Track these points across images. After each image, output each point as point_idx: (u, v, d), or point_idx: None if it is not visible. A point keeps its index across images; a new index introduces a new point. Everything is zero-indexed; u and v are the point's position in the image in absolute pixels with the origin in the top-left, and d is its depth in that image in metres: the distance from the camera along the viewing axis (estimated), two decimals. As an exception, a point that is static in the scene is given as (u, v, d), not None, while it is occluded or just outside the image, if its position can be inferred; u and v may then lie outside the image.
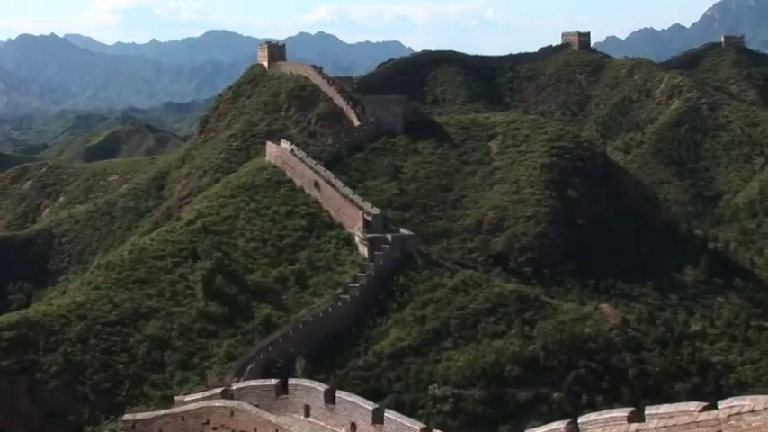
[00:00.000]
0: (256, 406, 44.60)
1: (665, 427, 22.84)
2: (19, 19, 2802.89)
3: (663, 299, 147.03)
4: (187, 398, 51.50)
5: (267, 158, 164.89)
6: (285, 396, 45.55)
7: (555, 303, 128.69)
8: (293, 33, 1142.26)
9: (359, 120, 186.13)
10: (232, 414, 44.53)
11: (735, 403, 22.01)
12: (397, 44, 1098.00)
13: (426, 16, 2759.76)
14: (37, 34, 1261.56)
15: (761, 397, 21.31)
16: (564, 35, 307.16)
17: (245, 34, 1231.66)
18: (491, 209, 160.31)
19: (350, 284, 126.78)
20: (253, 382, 51.51)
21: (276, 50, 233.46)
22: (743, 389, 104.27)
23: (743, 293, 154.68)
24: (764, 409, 20.03)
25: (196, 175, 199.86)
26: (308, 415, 43.83)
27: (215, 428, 45.29)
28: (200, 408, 46.58)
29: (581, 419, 28.98)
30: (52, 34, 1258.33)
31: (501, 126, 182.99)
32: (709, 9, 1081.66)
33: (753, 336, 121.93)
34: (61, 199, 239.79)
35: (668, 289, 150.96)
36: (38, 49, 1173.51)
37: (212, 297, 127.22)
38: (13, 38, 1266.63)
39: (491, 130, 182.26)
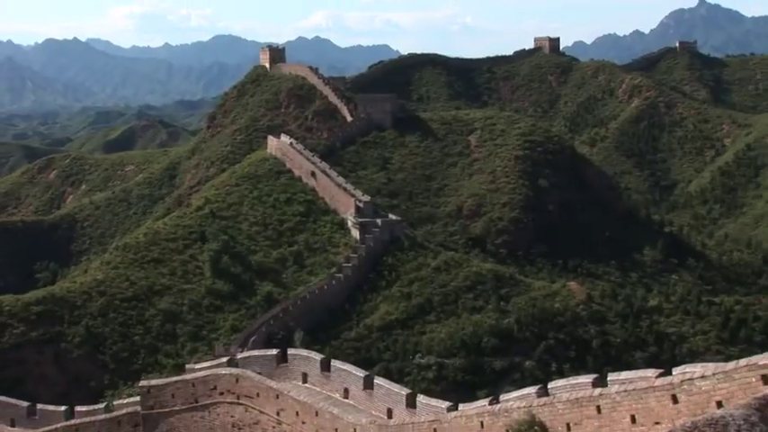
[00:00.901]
0: (259, 373, 44.58)
1: (625, 391, 22.92)
2: (45, 25, 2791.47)
3: (624, 277, 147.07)
4: (197, 366, 51.46)
5: (268, 151, 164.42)
6: (285, 365, 45.56)
7: (527, 281, 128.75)
8: (292, 38, 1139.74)
9: (351, 116, 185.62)
10: (237, 381, 44.50)
11: (687, 370, 22.11)
12: (386, 47, 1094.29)
13: (413, 22, 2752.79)
14: (61, 39, 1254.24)
15: (710, 364, 21.39)
16: (536, 40, 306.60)
17: (248, 38, 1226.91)
18: (470, 196, 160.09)
19: (343, 264, 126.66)
20: (256, 352, 51.48)
21: (277, 53, 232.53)
22: (694, 357, 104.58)
23: (695, 272, 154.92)
24: (713, 374, 20.12)
25: (204, 166, 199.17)
26: (305, 381, 43.86)
27: (221, 393, 45.26)
28: (209, 375, 46.54)
29: (550, 385, 29.07)
30: (75, 38, 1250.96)
31: (479, 122, 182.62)
32: (666, 17, 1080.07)
33: (703, 310, 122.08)
34: (83, 187, 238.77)
35: (629, 268, 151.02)
36: (62, 52, 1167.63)
37: (219, 275, 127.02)
38: (40, 42, 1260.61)
39: (470, 125, 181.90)
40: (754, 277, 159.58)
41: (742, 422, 15.38)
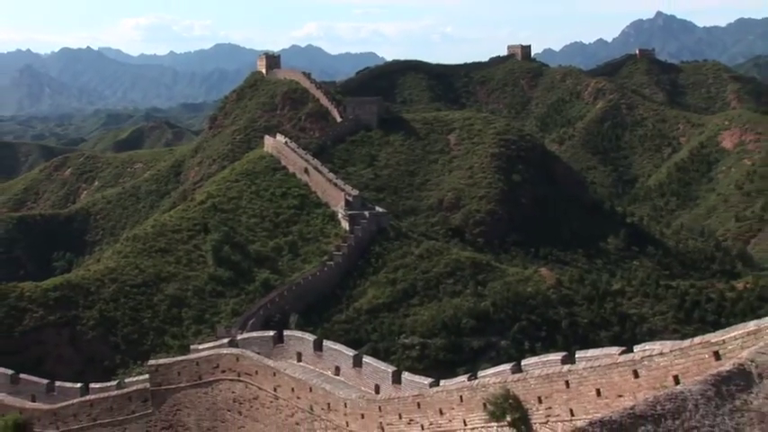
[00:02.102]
0: (258, 353, 44.51)
1: (591, 367, 22.99)
2: (61, 35, 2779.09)
3: (590, 263, 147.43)
4: (201, 347, 51.33)
5: (265, 149, 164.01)
6: (281, 345, 45.48)
7: (503, 268, 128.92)
8: (287, 46, 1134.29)
9: (341, 117, 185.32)
10: (237, 360, 44.41)
11: (647, 347, 22.20)
12: (373, 55, 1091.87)
13: (397, 32, 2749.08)
14: (75, 47, 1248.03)
15: (667, 342, 21.50)
16: (509, 47, 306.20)
17: (247, 47, 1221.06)
18: (450, 190, 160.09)
19: (334, 253, 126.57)
20: (254, 334, 51.41)
21: (272, 60, 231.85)
22: (653, 336, 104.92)
23: (654, 258, 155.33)
24: (670, 351, 20.21)
25: (206, 164, 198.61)
26: (300, 360, 43.80)
27: (223, 371, 45.16)
28: (212, 355, 46.44)
29: (524, 362, 29.13)
30: (88, 47, 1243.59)
31: (458, 122, 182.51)
32: (627, 27, 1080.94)
33: (661, 293, 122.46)
34: (96, 183, 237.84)
35: (594, 255, 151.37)
36: (76, 60, 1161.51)
37: (220, 264, 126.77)
38: (56, 50, 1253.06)
39: (449, 125, 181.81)
40: (707, 263, 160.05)
41: (699, 397, 15.41)
